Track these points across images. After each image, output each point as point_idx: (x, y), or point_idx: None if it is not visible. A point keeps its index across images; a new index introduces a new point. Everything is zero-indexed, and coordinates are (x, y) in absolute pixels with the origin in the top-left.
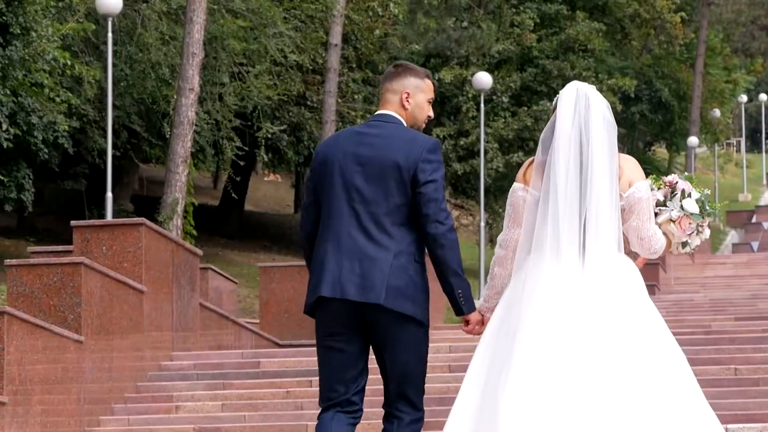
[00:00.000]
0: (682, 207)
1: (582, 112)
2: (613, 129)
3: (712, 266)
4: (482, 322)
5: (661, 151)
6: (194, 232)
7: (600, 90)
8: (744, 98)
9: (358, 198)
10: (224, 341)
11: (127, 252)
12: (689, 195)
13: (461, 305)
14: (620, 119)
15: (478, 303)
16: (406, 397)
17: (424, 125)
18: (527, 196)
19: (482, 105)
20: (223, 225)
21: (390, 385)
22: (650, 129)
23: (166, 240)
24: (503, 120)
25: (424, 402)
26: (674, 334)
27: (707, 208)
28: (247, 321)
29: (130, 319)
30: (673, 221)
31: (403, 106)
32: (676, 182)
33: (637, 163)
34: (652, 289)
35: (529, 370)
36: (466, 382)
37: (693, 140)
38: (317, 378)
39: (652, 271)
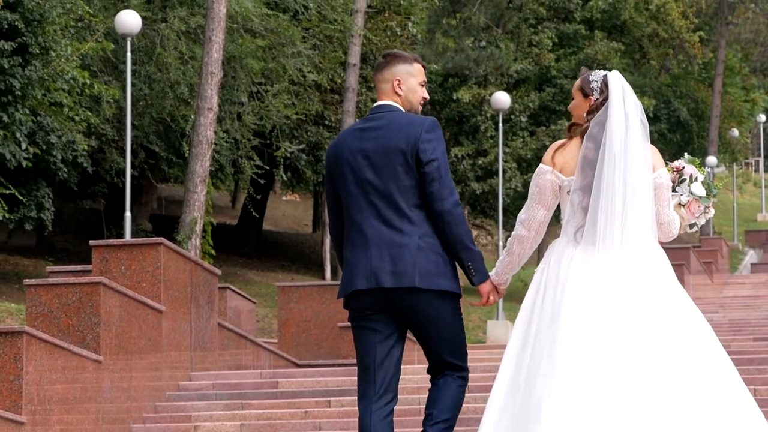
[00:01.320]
0: (690, 192)
1: (625, 105)
2: (644, 118)
3: (730, 286)
4: (496, 292)
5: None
6: (213, 252)
7: None
8: (762, 118)
9: (372, 190)
10: (243, 361)
11: (146, 272)
12: (696, 179)
13: (471, 276)
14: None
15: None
16: (451, 363)
17: (420, 107)
18: (556, 180)
19: (500, 124)
20: (242, 244)
21: (433, 357)
22: (668, 148)
23: (185, 259)
24: (521, 139)
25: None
26: None
27: (713, 189)
28: (266, 341)
29: (149, 338)
30: (683, 205)
31: (396, 92)
32: (683, 167)
33: (656, 149)
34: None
35: (574, 362)
36: (502, 371)
37: (711, 160)
38: (336, 398)
39: None
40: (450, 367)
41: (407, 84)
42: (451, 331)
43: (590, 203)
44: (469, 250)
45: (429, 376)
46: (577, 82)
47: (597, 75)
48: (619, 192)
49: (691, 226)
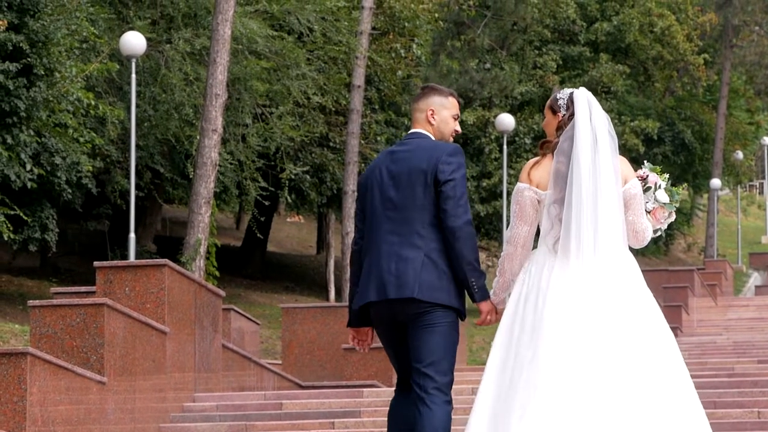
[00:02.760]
0: (656, 199)
1: (591, 119)
2: (612, 131)
3: (734, 308)
4: (494, 312)
5: (683, 193)
6: (217, 273)
7: (623, 132)
8: (766, 140)
9: (391, 206)
10: (246, 382)
11: (150, 293)
12: (660, 186)
13: (475, 294)
14: (642, 160)
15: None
16: (436, 383)
17: (451, 139)
18: (534, 196)
19: (505, 146)
20: (246, 266)
21: (420, 371)
22: (672, 171)
23: (189, 281)
24: (526, 161)
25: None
26: (697, 376)
27: (675, 195)
28: (270, 362)
29: (153, 360)
30: (648, 212)
31: (429, 122)
32: (647, 176)
33: (625, 160)
34: (675, 331)
35: (554, 371)
36: (485, 380)
37: (715, 182)
38: (340, 420)
39: (674, 314)
40: (435, 389)
41: (440, 115)
42: (442, 346)
43: (563, 215)
44: (473, 269)
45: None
46: (548, 101)
47: (564, 93)
48: (589, 203)
49: (655, 231)
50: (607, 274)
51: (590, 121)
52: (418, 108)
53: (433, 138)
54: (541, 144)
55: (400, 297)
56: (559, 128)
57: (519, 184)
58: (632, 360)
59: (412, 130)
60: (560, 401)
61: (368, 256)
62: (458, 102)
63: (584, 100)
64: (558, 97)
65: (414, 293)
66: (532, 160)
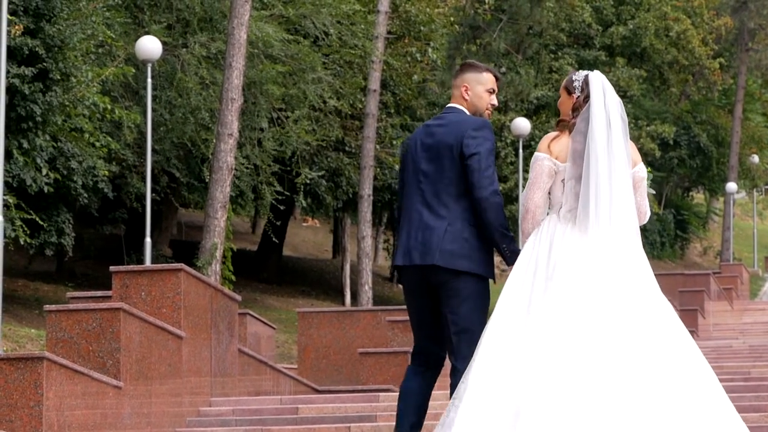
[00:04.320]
0: None
1: (606, 102)
2: (624, 114)
3: (751, 312)
4: None
5: (699, 197)
6: (233, 278)
7: (639, 136)
8: None
9: (423, 179)
10: (262, 387)
11: (166, 297)
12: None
13: (507, 258)
14: (658, 164)
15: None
16: (461, 352)
17: (488, 113)
18: (553, 166)
19: (521, 150)
20: (262, 270)
21: (450, 336)
22: (688, 174)
23: (205, 285)
24: None
25: None
26: None
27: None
28: (286, 366)
29: (169, 364)
30: None
31: (463, 97)
32: None
33: (634, 145)
34: (690, 335)
35: (564, 327)
36: (492, 327)
37: (731, 186)
38: (356, 425)
39: (690, 318)
40: (461, 358)
41: (474, 90)
42: (466, 311)
43: (581, 190)
44: (502, 234)
45: (448, 401)
46: (564, 81)
47: (579, 75)
48: (605, 181)
49: None
50: (619, 244)
51: (604, 104)
52: (455, 84)
53: (468, 113)
54: (558, 122)
55: (424, 264)
56: (575, 109)
57: (538, 154)
58: (641, 322)
59: (449, 105)
60: (574, 364)
61: (401, 224)
62: (496, 77)
63: (599, 83)
64: (573, 78)
65: (435, 260)
66: (551, 134)
